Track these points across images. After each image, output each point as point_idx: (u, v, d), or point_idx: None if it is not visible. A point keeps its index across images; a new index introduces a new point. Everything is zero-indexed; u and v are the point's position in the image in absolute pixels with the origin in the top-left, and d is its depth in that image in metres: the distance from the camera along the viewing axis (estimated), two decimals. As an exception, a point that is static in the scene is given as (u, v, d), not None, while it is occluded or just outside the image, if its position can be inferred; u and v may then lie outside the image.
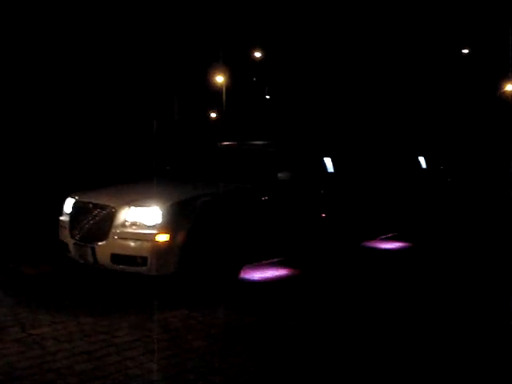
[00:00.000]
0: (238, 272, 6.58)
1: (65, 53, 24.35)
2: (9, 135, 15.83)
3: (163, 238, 5.92)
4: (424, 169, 9.57)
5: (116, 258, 6.05)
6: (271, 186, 6.96)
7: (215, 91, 34.87)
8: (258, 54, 32.32)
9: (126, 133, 19.98)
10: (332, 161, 7.87)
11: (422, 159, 9.65)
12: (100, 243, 6.13)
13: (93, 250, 6.18)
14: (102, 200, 6.36)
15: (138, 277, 6.24)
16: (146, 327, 5.26)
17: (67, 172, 12.97)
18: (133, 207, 6.07)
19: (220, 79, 34.95)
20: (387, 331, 5.31)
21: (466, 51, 27.47)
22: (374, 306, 6.05)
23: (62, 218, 6.83)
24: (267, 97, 32.49)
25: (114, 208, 6.14)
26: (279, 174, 6.97)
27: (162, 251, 5.92)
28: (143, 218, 6.00)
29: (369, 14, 25.45)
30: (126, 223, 6.05)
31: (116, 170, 12.04)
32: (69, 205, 6.73)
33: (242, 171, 7.16)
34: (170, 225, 5.95)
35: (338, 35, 26.05)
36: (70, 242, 6.49)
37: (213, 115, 37.98)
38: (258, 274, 7.26)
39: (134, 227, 6.02)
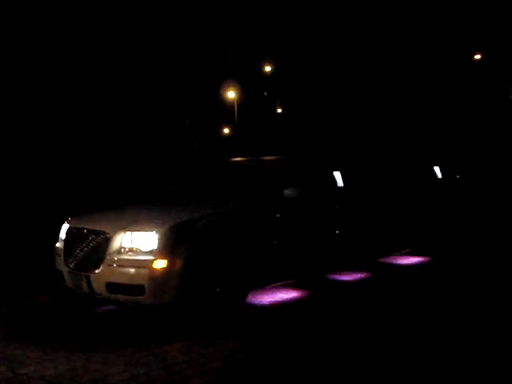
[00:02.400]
0: (244, 297, 6.16)
1: (79, 74, 24.33)
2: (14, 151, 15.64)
3: (161, 264, 5.53)
4: (440, 179, 9.11)
5: (112, 286, 5.66)
6: (276, 204, 6.54)
7: (227, 107, 34.71)
8: (268, 68, 32.07)
9: (135, 152, 19.76)
10: (342, 174, 7.46)
11: (437, 169, 9.19)
12: (95, 271, 5.75)
13: (88, 278, 5.80)
14: (96, 225, 5.99)
15: (136, 306, 5.84)
16: (142, 362, 4.86)
17: (72, 192, 12.66)
18: (128, 232, 5.70)
19: (231, 94, 34.82)
20: (409, 361, 4.85)
21: (478, 57, 26.99)
22: (391, 330, 5.58)
23: (57, 244, 6.47)
24: (278, 111, 32.18)
25: (108, 233, 5.77)
26: (285, 191, 6.56)
27: (159, 278, 5.52)
28: (139, 243, 5.62)
29: (381, 24, 25.11)
30: (122, 249, 5.68)
31: (121, 190, 11.69)
32: (64, 231, 6.37)
33: (245, 190, 6.76)
34: (167, 250, 5.56)
35: (348, 47, 25.73)
36: (65, 270, 6.12)
37: (225, 131, 37.79)
38: (266, 298, 6.82)
39: (129, 253, 5.64)
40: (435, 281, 7.69)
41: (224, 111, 34.66)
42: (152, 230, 5.62)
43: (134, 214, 6.36)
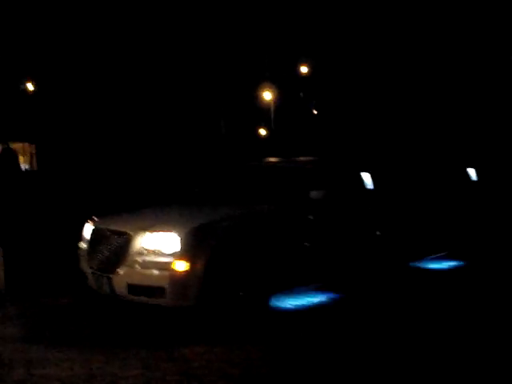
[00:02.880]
0: (268, 301, 6.01)
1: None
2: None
3: (182, 266, 5.42)
4: (474, 181, 8.81)
5: (133, 288, 5.59)
6: (302, 205, 6.38)
7: (263, 108, 34.63)
8: (304, 69, 31.84)
9: (170, 153, 19.78)
10: (372, 176, 7.25)
11: (472, 171, 8.89)
12: (116, 272, 5.69)
13: (109, 279, 5.75)
14: (118, 226, 5.93)
15: (157, 308, 5.76)
16: (160, 367, 4.77)
17: (104, 191, 12.69)
18: (149, 233, 5.62)
19: (268, 96, 34.71)
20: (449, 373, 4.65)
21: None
22: (427, 339, 5.37)
23: (80, 244, 6.44)
24: (314, 112, 31.93)
25: (130, 234, 5.70)
26: (311, 193, 6.39)
27: (180, 281, 5.42)
28: (160, 244, 5.53)
29: (418, 27, 24.70)
30: (143, 251, 5.60)
31: (152, 191, 11.66)
32: (87, 231, 6.34)
33: (269, 191, 6.60)
34: (189, 252, 5.45)
35: (382, 49, 25.37)
36: (88, 270, 6.09)
37: (262, 132, 37.69)
38: (292, 302, 6.66)
39: (151, 255, 5.56)
40: (467, 286, 7.40)
41: (260, 112, 34.59)
42: (173, 232, 5.53)
43: (156, 215, 6.28)
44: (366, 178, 7.23)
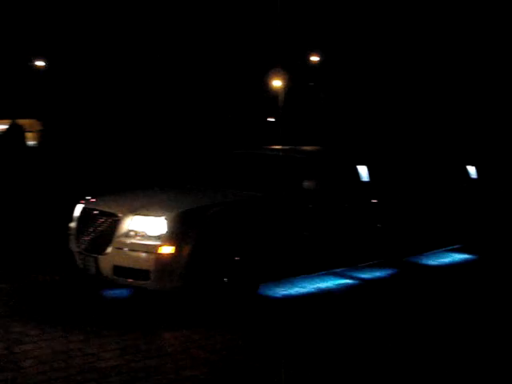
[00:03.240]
0: (256, 289, 6.00)
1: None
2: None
3: (167, 250, 5.41)
4: (473, 179, 8.74)
5: (118, 270, 5.59)
6: (293, 194, 6.34)
7: (273, 96, 34.51)
8: (315, 58, 31.67)
9: (178, 139, 19.71)
10: (368, 169, 7.20)
11: (471, 168, 8.82)
12: (103, 253, 5.68)
13: (96, 260, 5.74)
14: (107, 207, 5.91)
15: (142, 291, 5.75)
16: (139, 349, 4.76)
17: (104, 171, 12.67)
18: (137, 216, 5.60)
19: (278, 83, 34.58)
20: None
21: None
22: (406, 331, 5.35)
23: (71, 224, 6.43)
24: (322, 103, 31.82)
25: (118, 216, 5.69)
26: (304, 183, 6.35)
27: (165, 264, 5.41)
28: (147, 227, 5.52)
29: (428, 19, 24.48)
30: (130, 233, 5.59)
31: (150, 175, 11.64)
32: (77, 211, 6.32)
33: (261, 179, 6.58)
34: (175, 236, 5.44)
35: (388, 44, 25.20)
36: (76, 250, 6.08)
37: (271, 119, 37.59)
38: (282, 291, 6.63)
39: (137, 238, 5.55)
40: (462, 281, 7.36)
41: (270, 101, 34.48)
42: (161, 215, 5.51)
43: (146, 198, 6.24)
44: (362, 170, 7.19)
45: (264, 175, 6.69)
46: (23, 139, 19.13)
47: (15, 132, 18.28)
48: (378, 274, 7.50)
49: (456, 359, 4.80)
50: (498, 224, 8.91)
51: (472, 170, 8.85)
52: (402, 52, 24.96)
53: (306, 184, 6.33)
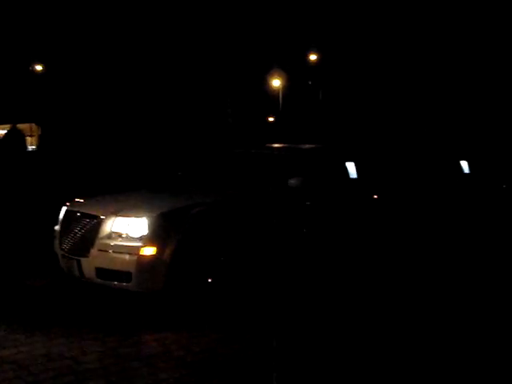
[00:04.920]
0: (240, 288, 5.93)
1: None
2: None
3: (149, 251, 5.37)
4: (466, 174, 8.66)
5: (101, 272, 5.54)
6: (277, 192, 6.28)
7: (272, 95, 34.48)
8: (313, 57, 31.61)
9: (175, 139, 19.66)
10: (356, 165, 7.13)
11: (464, 163, 8.74)
12: (85, 256, 5.64)
13: (79, 262, 5.70)
14: (89, 209, 5.87)
15: (125, 293, 5.70)
16: (119, 352, 4.71)
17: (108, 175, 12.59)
18: (119, 217, 5.55)
19: (277, 83, 34.56)
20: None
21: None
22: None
23: (56, 227, 6.38)
24: (320, 101, 31.78)
25: (99, 218, 5.64)
26: (289, 181, 6.30)
27: (147, 266, 5.36)
28: (129, 229, 5.47)
29: (428, 18, 24.40)
30: (112, 235, 5.55)
31: (145, 177, 11.57)
32: (62, 213, 6.28)
33: (245, 178, 6.52)
34: (156, 237, 5.39)
35: (382, 41, 25.16)
36: (60, 253, 6.03)
37: (270, 119, 37.57)
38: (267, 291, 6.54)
39: (119, 239, 5.50)
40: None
41: (269, 100, 34.45)
42: (142, 216, 5.47)
43: (130, 199, 6.20)
44: (350, 167, 7.12)
45: (249, 174, 6.63)
46: (24, 144, 19.15)
47: (15, 137, 18.30)
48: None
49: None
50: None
51: (465, 165, 8.77)
52: (401, 52, 24.94)
53: (292, 182, 6.27)
